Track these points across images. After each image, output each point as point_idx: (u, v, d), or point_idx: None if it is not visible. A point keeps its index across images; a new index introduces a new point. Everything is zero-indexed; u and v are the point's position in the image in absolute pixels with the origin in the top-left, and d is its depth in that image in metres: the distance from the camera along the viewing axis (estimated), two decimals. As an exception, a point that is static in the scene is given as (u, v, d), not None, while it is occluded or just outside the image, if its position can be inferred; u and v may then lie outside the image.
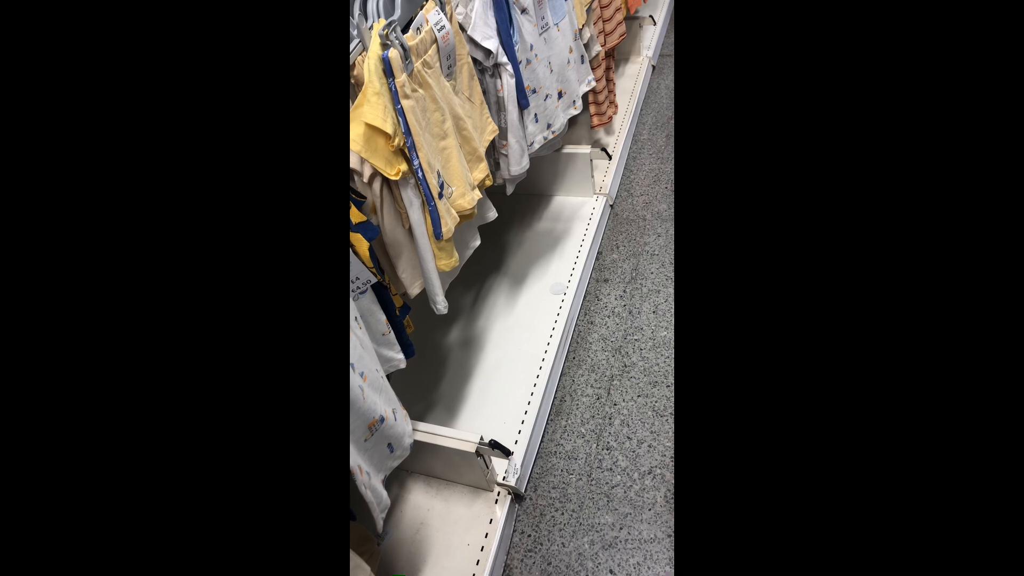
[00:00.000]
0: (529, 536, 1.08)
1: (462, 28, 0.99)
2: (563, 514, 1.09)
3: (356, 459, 0.69)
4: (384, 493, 0.75)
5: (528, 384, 1.25)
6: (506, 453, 1.04)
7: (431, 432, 1.04)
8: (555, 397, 1.28)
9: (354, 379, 0.68)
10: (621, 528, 1.05)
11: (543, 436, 1.22)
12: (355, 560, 0.69)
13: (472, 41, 1.01)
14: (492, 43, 1.04)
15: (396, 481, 1.15)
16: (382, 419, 0.74)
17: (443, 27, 0.89)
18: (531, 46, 1.15)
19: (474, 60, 1.03)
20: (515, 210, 1.71)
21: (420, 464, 1.13)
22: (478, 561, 1.01)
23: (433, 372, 1.34)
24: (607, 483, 1.12)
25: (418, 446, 0.93)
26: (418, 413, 1.25)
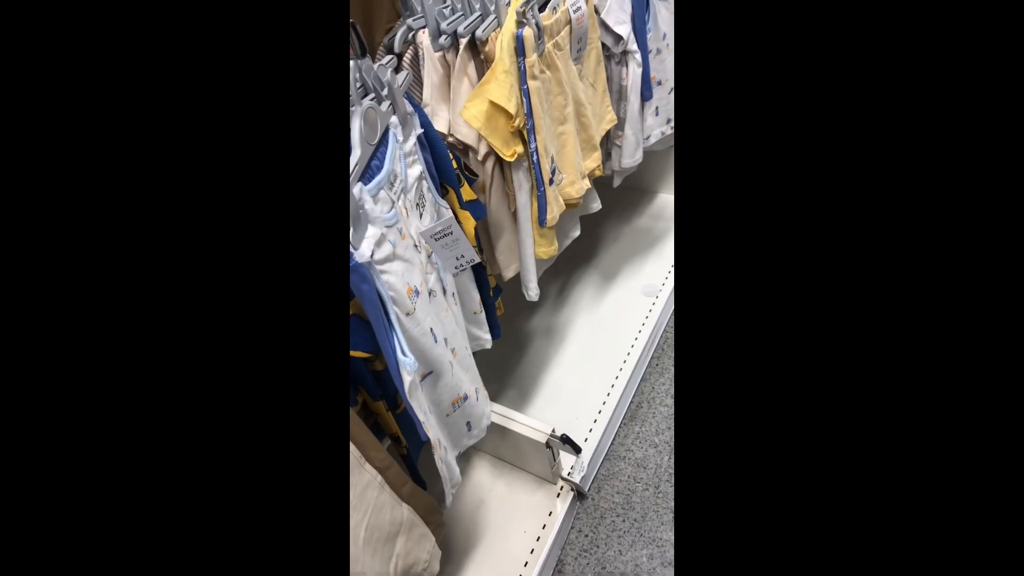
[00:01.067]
0: (587, 536, 1.06)
1: (596, 11, 0.95)
2: (624, 521, 1.07)
3: (437, 433, 0.70)
4: (457, 469, 0.76)
5: (606, 383, 1.22)
6: (576, 450, 1.03)
7: (505, 415, 1.04)
8: (632, 401, 1.25)
9: (445, 354, 0.68)
10: (684, 548, 1.01)
11: (614, 438, 1.19)
12: (422, 528, 0.70)
13: (604, 25, 0.98)
14: (624, 29, 0.99)
15: (463, 456, 1.17)
16: (465, 397, 0.74)
17: (579, 8, 0.87)
18: (664, 35, 1.09)
19: (603, 45, 0.99)
20: (616, 203, 1.66)
21: (488, 444, 1.14)
22: (532, 550, 1.01)
23: (512, 355, 1.34)
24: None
25: (490, 426, 0.94)
26: (492, 393, 1.25)
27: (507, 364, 1.33)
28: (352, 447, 0.59)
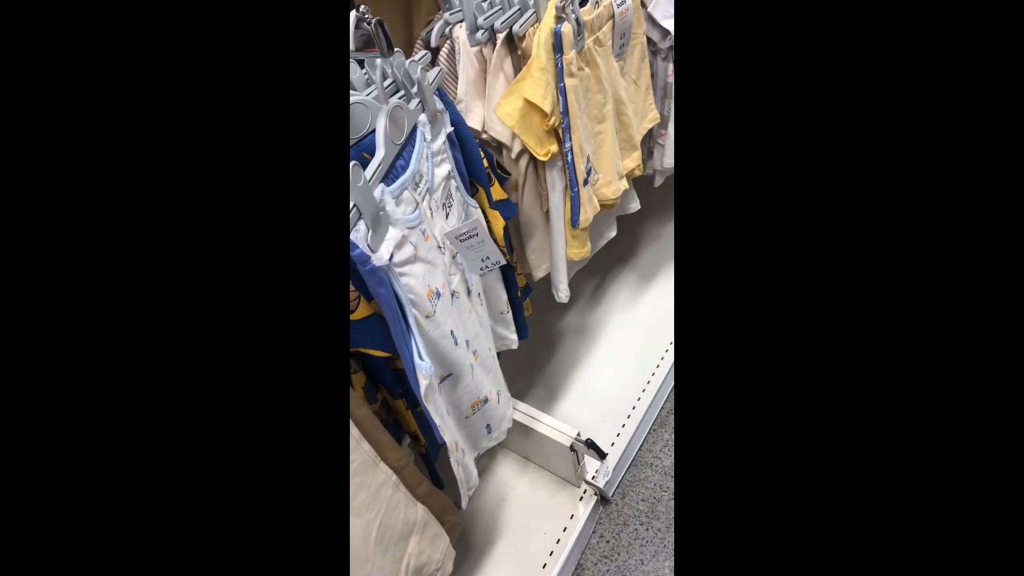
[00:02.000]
0: (608, 542, 1.05)
1: (643, 4, 0.92)
2: (648, 530, 1.04)
3: (455, 435, 0.69)
4: (474, 472, 0.76)
5: (637, 387, 1.20)
6: (601, 455, 1.01)
7: (530, 415, 1.03)
8: (663, 407, 1.21)
9: (466, 356, 0.68)
10: (708, 564, 0.98)
11: (642, 444, 1.16)
12: (436, 528, 0.70)
13: (651, 19, 0.94)
14: (672, 23, 0.95)
15: (487, 452, 1.17)
16: (486, 400, 0.73)
17: (623, 3, 0.83)
18: (714, 29, 1.04)
19: (648, 40, 0.96)
20: (657, 202, 1.60)
21: (513, 442, 1.14)
22: (552, 552, 1.00)
23: (542, 353, 1.33)
24: (701, 512, 1.04)
25: (515, 425, 0.93)
26: (519, 391, 1.25)
27: (537, 362, 1.31)
28: (368, 446, 0.59)
